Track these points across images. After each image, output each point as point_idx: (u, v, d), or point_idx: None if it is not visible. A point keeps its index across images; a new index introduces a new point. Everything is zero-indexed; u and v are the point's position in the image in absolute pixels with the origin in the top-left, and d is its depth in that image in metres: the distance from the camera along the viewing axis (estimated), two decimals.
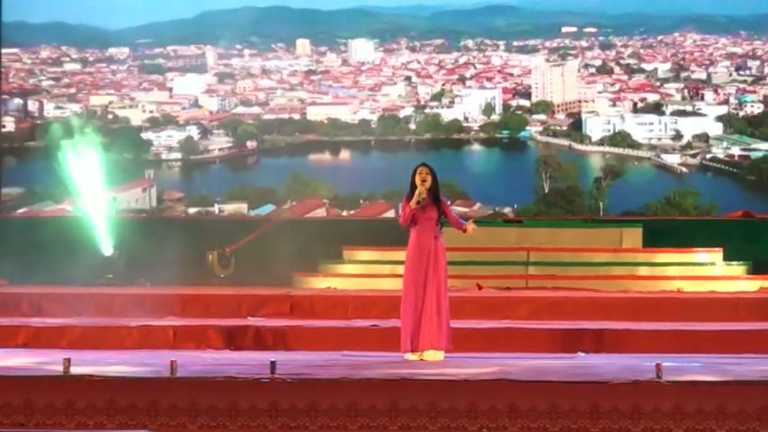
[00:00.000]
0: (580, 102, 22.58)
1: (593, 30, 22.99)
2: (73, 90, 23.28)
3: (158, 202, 22.09)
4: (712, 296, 15.65)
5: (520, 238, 18.24)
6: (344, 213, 21.14)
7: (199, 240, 18.42)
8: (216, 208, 21.62)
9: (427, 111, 22.83)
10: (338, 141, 22.49)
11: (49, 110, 23.02)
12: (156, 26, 22.85)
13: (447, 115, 22.80)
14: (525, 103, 22.81)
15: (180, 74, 23.61)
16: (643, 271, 17.52)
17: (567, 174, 21.66)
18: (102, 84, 23.34)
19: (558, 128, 22.36)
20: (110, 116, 23.09)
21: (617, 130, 21.95)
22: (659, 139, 21.69)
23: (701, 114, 22.05)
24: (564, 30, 23.17)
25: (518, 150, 22.47)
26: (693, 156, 21.50)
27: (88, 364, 10.23)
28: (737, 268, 17.54)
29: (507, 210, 20.91)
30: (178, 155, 22.54)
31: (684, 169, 21.45)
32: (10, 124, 22.48)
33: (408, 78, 23.33)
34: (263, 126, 22.86)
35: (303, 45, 23.53)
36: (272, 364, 9.66)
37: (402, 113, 22.81)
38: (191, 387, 9.19)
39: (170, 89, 23.55)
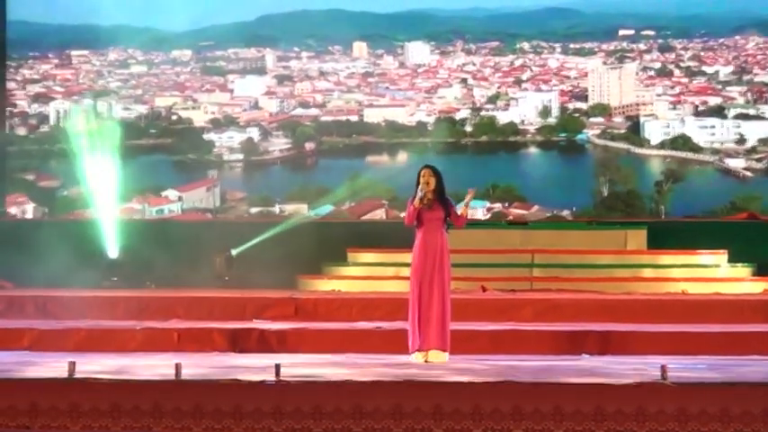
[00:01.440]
0: (638, 105, 22.45)
1: (651, 32, 22.85)
2: (139, 91, 23.68)
3: (221, 201, 22.39)
4: (717, 298, 15.63)
5: (524, 241, 18.22)
6: (402, 215, 21.20)
7: (204, 243, 18.41)
8: (277, 208, 21.82)
9: (483, 113, 22.83)
10: (395, 143, 22.57)
11: (118, 111, 23.41)
12: (218, 29, 23.18)
13: (503, 118, 22.80)
14: (582, 105, 22.71)
15: (240, 76, 23.94)
16: (647, 273, 17.50)
17: (626, 177, 21.53)
18: (166, 85, 23.74)
19: (616, 131, 22.22)
20: (174, 117, 23.42)
21: (677, 134, 21.76)
22: (722, 143, 21.51)
23: (765, 118, 21.83)
24: (621, 32, 23.07)
25: (575, 153, 22.39)
26: (758, 160, 21.29)
27: (93, 366, 10.24)
28: (742, 270, 17.51)
29: (566, 213, 20.83)
30: (239, 156, 22.83)
31: (749, 173, 21.27)
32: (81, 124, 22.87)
33: (464, 81, 23.35)
34: (321, 128, 23.06)
35: (360, 47, 23.70)
36: (277, 366, 9.66)
37: (458, 116, 22.84)
38: (195, 390, 9.19)
39: (231, 91, 23.89)
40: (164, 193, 22.52)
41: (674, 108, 22.22)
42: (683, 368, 10.27)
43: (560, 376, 9.84)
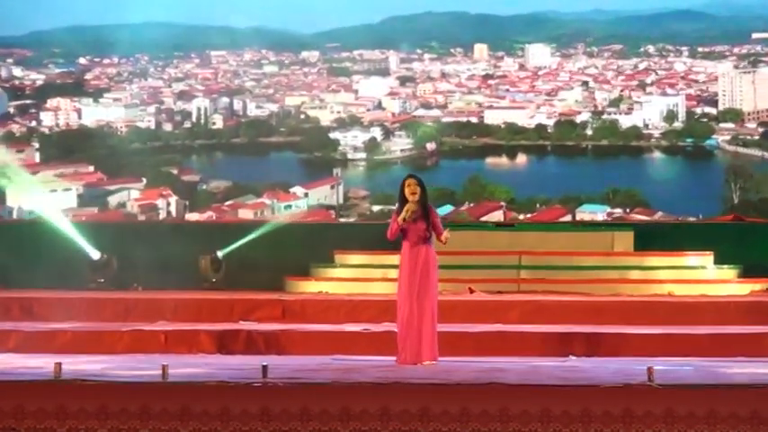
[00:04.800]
0: None
1: None
2: (271, 91, 24.30)
3: (345, 199, 22.67)
4: (703, 300, 15.66)
5: (512, 242, 18.23)
6: (521, 217, 21.26)
7: (191, 245, 18.38)
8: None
9: (605, 116, 22.76)
10: (515, 145, 22.64)
11: (251, 109, 24.07)
12: (344, 31, 23.69)
13: (625, 121, 22.73)
14: (711, 110, 22.46)
15: (365, 77, 24.36)
16: (634, 274, 17.52)
17: (759, 185, 21.25)
18: (295, 85, 24.41)
19: (749, 137, 21.87)
20: (302, 116, 23.95)
21: None
22: None
23: None
24: (755, 36, 22.80)
25: (703, 159, 22.15)
26: None
27: (79, 368, 10.21)
28: (728, 272, 17.54)
29: (692, 219, 20.51)
30: (363, 154, 23.21)
31: None
32: (219, 121, 23.58)
33: (585, 83, 23.34)
34: (442, 128, 23.23)
35: (481, 50, 23.95)
36: (264, 368, 9.65)
37: (579, 119, 22.83)
38: (182, 391, 9.17)
39: (356, 91, 24.37)
40: (291, 190, 23.00)
41: None
42: (670, 370, 10.28)
43: (547, 378, 9.85)
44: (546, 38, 22.65)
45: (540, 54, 22.03)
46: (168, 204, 22.03)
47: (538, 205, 20.35)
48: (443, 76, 22.05)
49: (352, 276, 17.59)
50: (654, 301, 15.37)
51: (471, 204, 20.71)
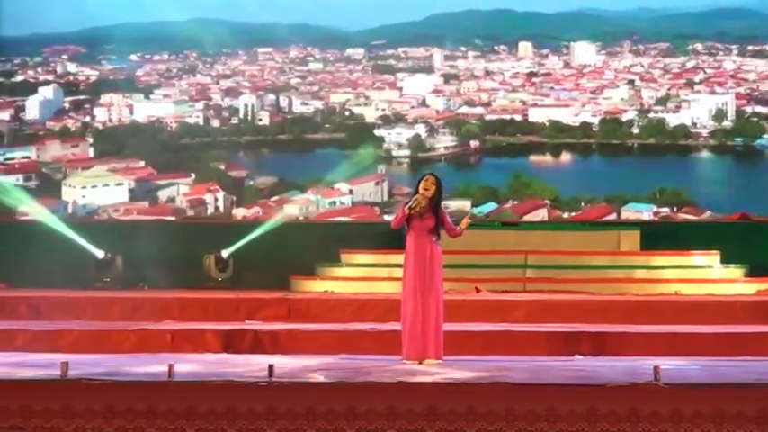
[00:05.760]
0: None
1: None
2: (316, 88, 24.45)
3: (389, 196, 22.80)
4: (710, 299, 15.64)
5: (518, 242, 18.21)
6: (565, 215, 21.23)
7: (197, 243, 18.40)
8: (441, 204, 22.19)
9: (651, 115, 22.66)
10: (559, 144, 22.59)
11: (297, 106, 24.28)
12: (388, 28, 23.76)
13: (673, 120, 22.60)
14: (762, 110, 22.29)
15: (409, 74, 24.44)
16: (640, 274, 17.50)
17: None
18: (340, 82, 24.56)
19: None
20: (346, 113, 24.08)
21: None
22: None
23: None
24: None
25: (754, 159, 21.94)
26: None
27: (86, 367, 10.22)
28: (735, 271, 17.52)
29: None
30: (407, 152, 23.30)
31: None
32: (265, 118, 23.86)
33: (631, 82, 23.26)
34: (486, 126, 23.27)
35: (525, 47, 23.91)
36: (270, 367, 9.66)
37: (624, 117, 22.74)
38: (188, 391, 9.18)
39: (400, 89, 24.44)
40: (336, 186, 23.25)
41: None
42: (677, 369, 10.28)
43: (554, 377, 9.85)
44: (591, 36, 22.77)
45: (585, 52, 22.15)
46: (216, 200, 22.64)
47: (582, 204, 20.43)
48: (487, 73, 22.26)
49: (359, 276, 17.58)
50: (660, 301, 15.36)
51: (515, 202, 20.82)
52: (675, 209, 20.56)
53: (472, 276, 16.77)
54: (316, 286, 17.36)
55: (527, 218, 21.11)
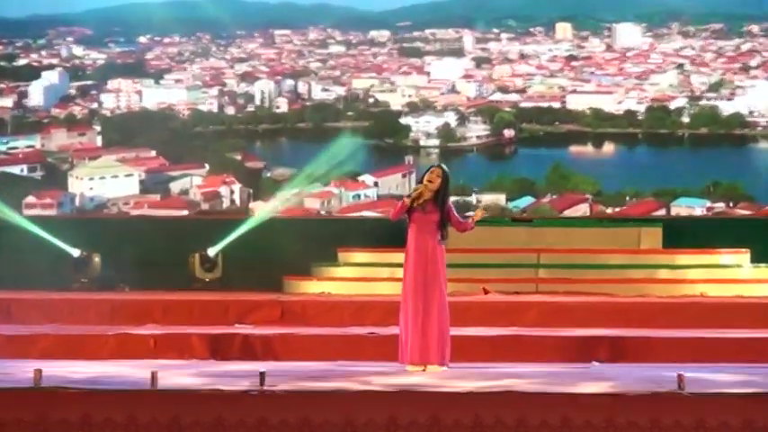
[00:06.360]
0: None
1: None
2: (337, 72, 24.64)
3: None
4: (738, 301, 15.68)
5: (530, 239, 18.25)
6: (609, 210, 21.25)
7: (181, 242, 18.42)
8: (473, 198, 22.17)
9: (703, 102, 22.61)
10: (601, 133, 22.56)
11: (317, 92, 24.42)
12: (415, 8, 23.86)
13: (727, 108, 22.53)
14: None
15: (437, 58, 24.51)
16: (663, 274, 17.54)
17: None
18: (363, 67, 24.75)
19: None
20: (371, 100, 24.23)
21: None
22: None
23: None
24: None
25: None
26: None
27: (61, 375, 10.24)
28: (766, 270, 17.55)
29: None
30: (436, 141, 23.42)
31: None
32: (283, 105, 24.07)
33: (681, 66, 23.20)
34: (521, 114, 23.27)
35: (564, 29, 23.92)
36: (262, 375, 9.68)
37: (673, 105, 22.68)
38: (173, 400, 9.20)
39: (428, 73, 24.52)
40: (360, 178, 23.36)
41: None
42: (702, 377, 10.30)
43: (568, 385, 9.87)
44: (635, 16, 22.67)
45: (628, 33, 22.06)
46: (232, 192, 22.71)
47: (627, 198, 20.37)
48: (522, 57, 22.21)
49: (357, 276, 17.63)
50: (684, 303, 15.39)
51: (553, 197, 20.81)
52: (732, 204, 20.52)
53: (480, 276, 16.80)
54: (311, 287, 17.40)
55: (568, 213, 21.09)
